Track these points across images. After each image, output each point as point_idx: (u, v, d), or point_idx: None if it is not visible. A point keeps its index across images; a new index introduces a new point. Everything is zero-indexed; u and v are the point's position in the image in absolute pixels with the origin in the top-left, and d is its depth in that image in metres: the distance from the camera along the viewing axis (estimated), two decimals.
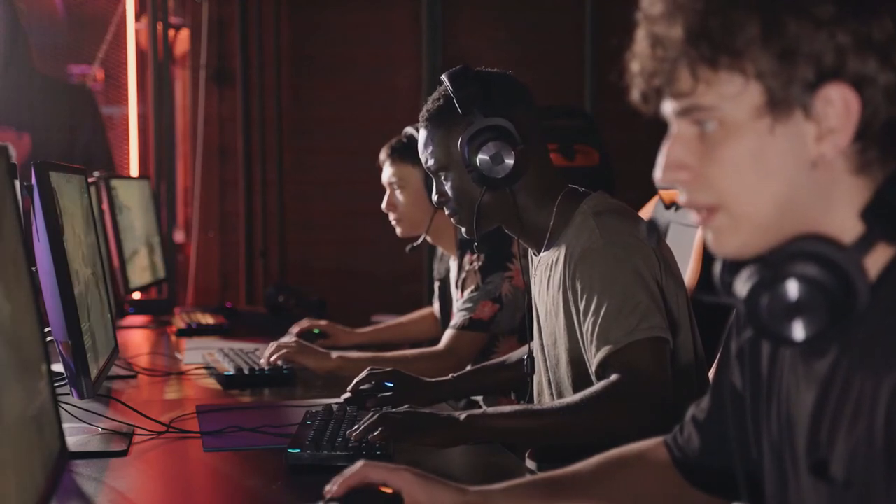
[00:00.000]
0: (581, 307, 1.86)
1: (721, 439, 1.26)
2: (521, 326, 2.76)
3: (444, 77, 2.00)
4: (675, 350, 1.88)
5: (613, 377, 1.77)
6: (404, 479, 1.33)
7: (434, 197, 2.05)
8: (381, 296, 5.04)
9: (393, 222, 3.01)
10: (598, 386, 1.78)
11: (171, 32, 4.99)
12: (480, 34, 5.19)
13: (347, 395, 2.09)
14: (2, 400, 1.09)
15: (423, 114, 2.02)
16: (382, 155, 2.99)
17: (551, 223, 1.96)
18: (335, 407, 1.96)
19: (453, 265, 2.98)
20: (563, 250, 1.91)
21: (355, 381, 2.11)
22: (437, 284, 3.19)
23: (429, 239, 2.98)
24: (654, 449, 1.37)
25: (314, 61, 5.18)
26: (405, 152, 2.93)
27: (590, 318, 1.83)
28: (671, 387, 1.80)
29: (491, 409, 1.81)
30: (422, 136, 2.02)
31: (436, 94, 2.02)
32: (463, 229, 2.05)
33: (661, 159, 1.06)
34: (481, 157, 1.91)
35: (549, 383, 2.03)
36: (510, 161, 1.91)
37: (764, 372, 1.17)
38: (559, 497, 1.34)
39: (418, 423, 1.73)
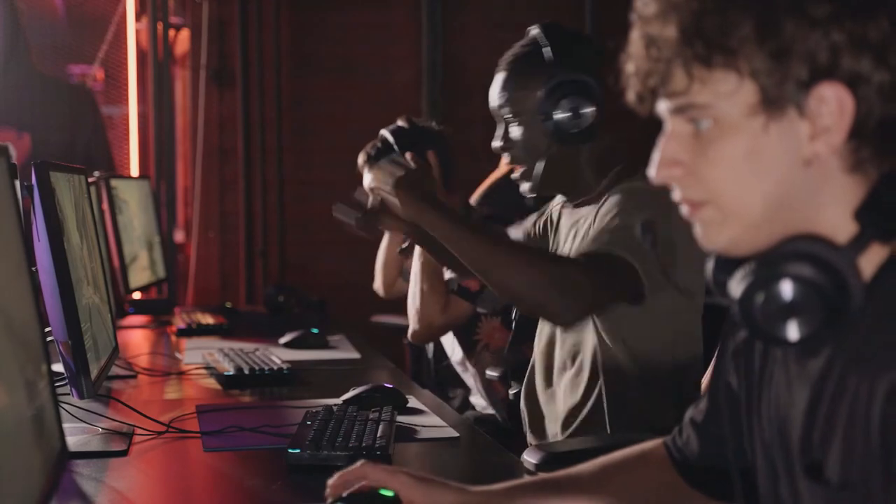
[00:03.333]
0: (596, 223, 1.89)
1: (719, 441, 1.26)
2: (506, 310, 2.76)
3: (534, 28, 2.00)
4: (679, 340, 1.88)
5: (577, 259, 1.82)
6: (401, 482, 1.33)
7: (496, 143, 2.03)
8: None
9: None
10: (558, 258, 1.86)
11: (172, 32, 4.99)
12: (480, 34, 5.19)
13: (347, 395, 2.09)
14: (2, 399, 1.09)
15: (507, 57, 2.00)
16: (361, 161, 2.97)
17: (599, 191, 1.97)
18: (335, 407, 1.96)
19: None
20: (598, 205, 1.93)
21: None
22: None
23: None
24: (655, 450, 1.37)
25: (314, 61, 5.18)
26: (410, 137, 2.92)
27: (595, 226, 1.87)
28: (600, 306, 1.86)
29: (451, 215, 1.86)
30: (499, 78, 2.01)
31: (523, 41, 2.02)
32: (525, 185, 2.03)
33: (655, 156, 1.06)
34: (560, 111, 1.90)
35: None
36: (588, 119, 1.90)
37: (756, 371, 1.17)
38: (560, 497, 1.34)
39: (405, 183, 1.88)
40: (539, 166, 1.97)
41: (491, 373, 2.67)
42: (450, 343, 2.93)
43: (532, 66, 1.97)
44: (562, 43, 1.96)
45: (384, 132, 2.92)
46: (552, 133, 1.92)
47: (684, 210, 1.07)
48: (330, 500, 1.36)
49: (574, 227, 2.03)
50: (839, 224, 1.02)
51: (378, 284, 3.36)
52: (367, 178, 2.97)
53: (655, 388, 1.94)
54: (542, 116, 1.92)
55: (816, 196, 1.02)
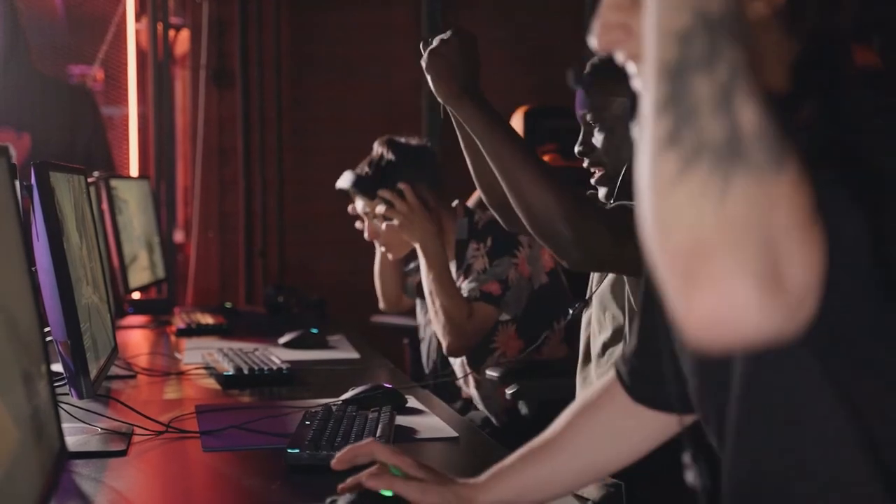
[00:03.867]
0: None
1: (653, 341, 1.27)
2: (523, 316, 2.76)
3: None
4: None
5: (604, 208, 1.82)
6: (406, 462, 1.37)
7: (578, 147, 2.02)
8: None
9: (382, 249, 3.01)
10: (586, 200, 1.83)
11: (172, 33, 4.99)
12: (480, 34, 5.19)
13: (347, 395, 2.09)
14: (1, 400, 1.09)
15: (595, 61, 1.98)
16: (348, 189, 2.98)
17: None
18: (334, 407, 1.96)
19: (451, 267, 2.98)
20: None
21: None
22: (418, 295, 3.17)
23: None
24: (611, 381, 1.38)
25: (314, 61, 5.18)
26: (374, 181, 2.90)
27: None
28: (612, 263, 1.83)
29: (492, 113, 1.83)
30: (585, 82, 2.00)
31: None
32: (602, 190, 2.02)
33: (593, 28, 1.07)
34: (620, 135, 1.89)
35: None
36: (626, 143, 1.89)
37: None
38: (541, 465, 1.36)
39: (446, 67, 1.84)
40: (621, 171, 1.96)
41: (491, 373, 2.67)
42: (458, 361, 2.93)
43: (618, 70, 1.97)
44: (606, 68, 1.94)
45: (376, 144, 2.94)
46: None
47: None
48: (329, 500, 1.36)
49: None
50: (775, 81, 1.01)
51: (381, 301, 3.37)
52: (360, 204, 2.98)
53: None
54: (626, 122, 1.90)
55: (754, 52, 1.03)
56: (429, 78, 1.89)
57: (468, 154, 2.06)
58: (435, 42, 1.90)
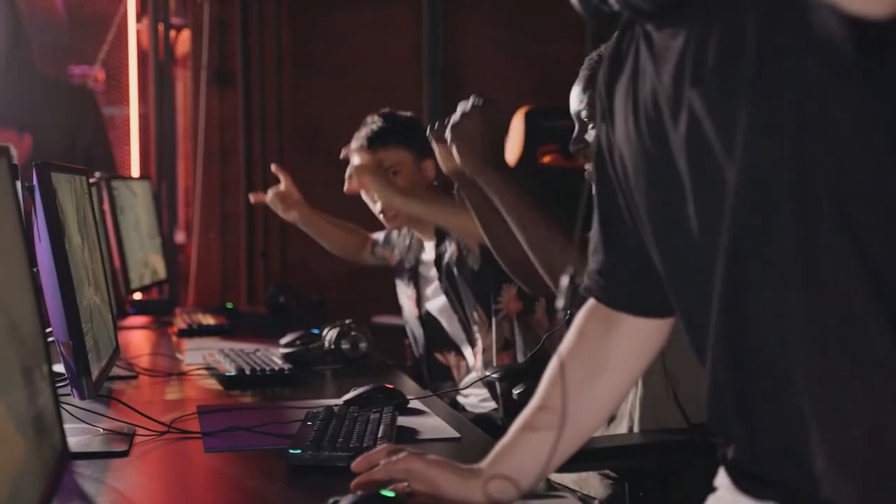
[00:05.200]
0: None
1: (622, 255, 1.31)
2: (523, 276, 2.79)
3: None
4: None
5: None
6: (428, 465, 1.38)
7: (573, 146, 2.05)
8: (381, 296, 5.04)
9: (386, 214, 2.96)
10: None
11: (173, 33, 5.00)
12: (480, 34, 5.20)
13: (348, 396, 2.10)
14: (3, 400, 1.09)
15: (592, 57, 2.02)
16: (362, 143, 2.96)
17: None
18: (336, 407, 1.96)
19: (429, 249, 2.99)
20: None
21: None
22: (404, 276, 3.17)
23: (407, 226, 2.99)
24: (586, 312, 1.39)
25: (314, 61, 5.18)
26: (390, 135, 2.92)
27: None
28: None
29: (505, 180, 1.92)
30: (579, 79, 2.03)
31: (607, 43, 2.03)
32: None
33: None
34: None
35: None
36: None
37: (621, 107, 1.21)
38: (543, 434, 1.36)
39: (472, 140, 1.92)
40: None
41: (494, 375, 2.67)
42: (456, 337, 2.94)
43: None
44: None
45: (373, 117, 2.94)
46: None
47: None
48: (331, 501, 1.36)
49: None
50: None
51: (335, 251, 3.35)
52: (356, 160, 2.98)
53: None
54: None
55: None
56: (455, 152, 1.94)
57: (482, 221, 2.14)
58: (458, 115, 1.94)
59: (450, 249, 2.91)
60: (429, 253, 3.02)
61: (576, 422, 1.35)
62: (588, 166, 2.05)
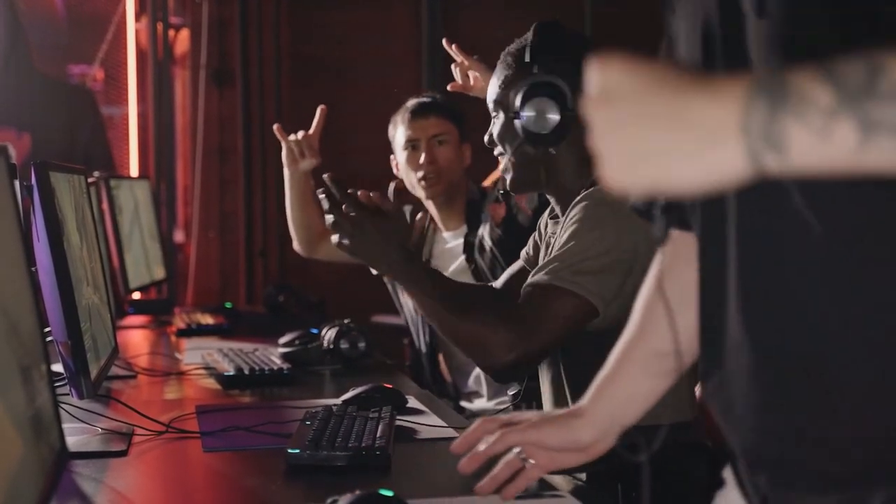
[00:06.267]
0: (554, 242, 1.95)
1: None
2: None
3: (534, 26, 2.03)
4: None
5: (519, 303, 1.89)
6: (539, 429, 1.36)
7: (486, 136, 2.07)
8: (381, 296, 5.03)
9: (429, 180, 2.97)
10: (503, 303, 1.99)
11: (171, 32, 5.00)
12: (481, 34, 5.18)
13: (347, 395, 2.09)
14: (1, 400, 1.09)
15: (506, 49, 2.06)
16: (414, 110, 2.98)
17: (583, 193, 1.98)
18: (335, 407, 1.96)
19: (449, 237, 2.99)
20: (567, 213, 1.97)
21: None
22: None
23: (433, 208, 2.99)
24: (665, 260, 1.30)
25: (314, 61, 5.18)
26: (443, 107, 2.97)
27: (558, 240, 1.93)
28: (551, 348, 1.90)
29: (427, 277, 1.94)
30: (496, 69, 2.06)
31: (519, 39, 2.06)
32: (507, 178, 2.06)
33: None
34: (527, 111, 1.91)
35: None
36: (552, 122, 1.90)
37: None
38: (639, 361, 1.33)
39: (371, 248, 1.92)
40: (511, 163, 2.02)
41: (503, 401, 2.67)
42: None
43: (514, 64, 2.01)
44: (548, 43, 1.98)
45: (417, 100, 3.04)
46: (523, 132, 1.92)
47: None
48: (330, 500, 1.36)
49: (554, 237, 2.03)
50: None
51: (296, 241, 3.35)
52: (431, 127, 3.00)
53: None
54: (512, 115, 1.93)
55: None
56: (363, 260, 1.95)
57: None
58: (346, 232, 1.94)
59: (485, 230, 2.93)
60: (449, 241, 3.02)
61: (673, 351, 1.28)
62: (501, 166, 2.08)
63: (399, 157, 3.05)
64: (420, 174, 2.97)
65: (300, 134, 3.16)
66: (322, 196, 1.97)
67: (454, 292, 1.97)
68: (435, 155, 2.97)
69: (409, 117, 3.01)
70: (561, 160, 1.99)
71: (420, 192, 3.01)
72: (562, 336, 1.88)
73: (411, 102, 3.06)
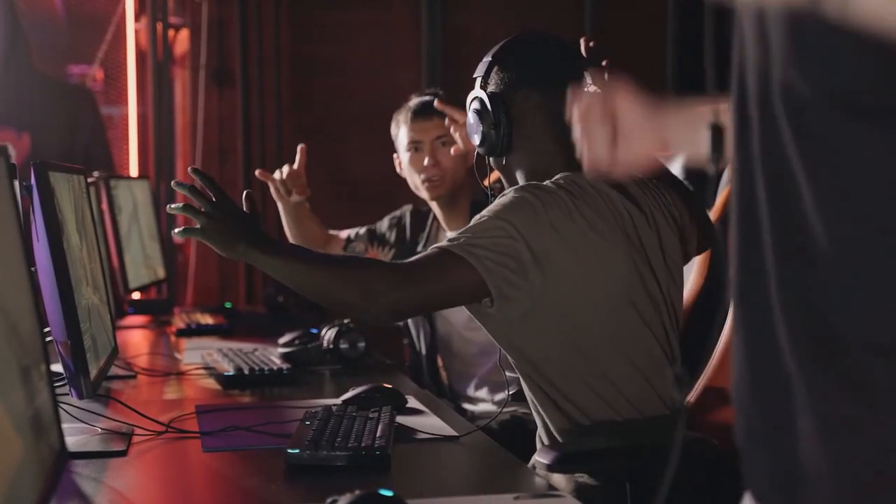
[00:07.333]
0: None
1: None
2: None
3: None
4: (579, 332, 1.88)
5: (393, 262, 1.96)
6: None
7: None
8: None
9: (432, 182, 2.96)
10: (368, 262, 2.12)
11: (171, 32, 4.99)
12: (480, 34, 5.19)
13: (346, 395, 2.10)
14: (1, 400, 1.09)
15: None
16: (416, 110, 2.99)
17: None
18: (334, 407, 1.96)
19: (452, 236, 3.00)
20: None
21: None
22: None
23: (437, 208, 2.98)
24: None
25: (314, 61, 5.18)
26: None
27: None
28: (433, 300, 1.90)
29: (274, 246, 1.90)
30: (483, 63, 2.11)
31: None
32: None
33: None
34: (469, 124, 2.05)
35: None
36: (478, 134, 2.02)
37: None
38: None
39: (226, 230, 1.89)
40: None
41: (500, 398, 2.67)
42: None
43: (480, 75, 2.08)
44: (497, 57, 2.05)
45: (419, 98, 2.98)
46: (479, 143, 2.04)
47: None
48: (329, 500, 1.36)
49: None
50: None
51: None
52: (436, 128, 2.98)
53: (568, 376, 1.92)
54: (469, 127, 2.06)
55: None
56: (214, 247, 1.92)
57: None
58: (199, 223, 1.93)
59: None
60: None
61: None
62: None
63: (402, 158, 3.05)
64: (423, 176, 2.97)
65: (285, 170, 3.14)
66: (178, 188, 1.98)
67: (309, 254, 1.95)
68: (438, 157, 2.96)
69: (411, 118, 3.00)
70: (511, 171, 2.06)
71: (424, 194, 3.01)
72: (445, 293, 1.86)
73: (413, 102, 3.05)
